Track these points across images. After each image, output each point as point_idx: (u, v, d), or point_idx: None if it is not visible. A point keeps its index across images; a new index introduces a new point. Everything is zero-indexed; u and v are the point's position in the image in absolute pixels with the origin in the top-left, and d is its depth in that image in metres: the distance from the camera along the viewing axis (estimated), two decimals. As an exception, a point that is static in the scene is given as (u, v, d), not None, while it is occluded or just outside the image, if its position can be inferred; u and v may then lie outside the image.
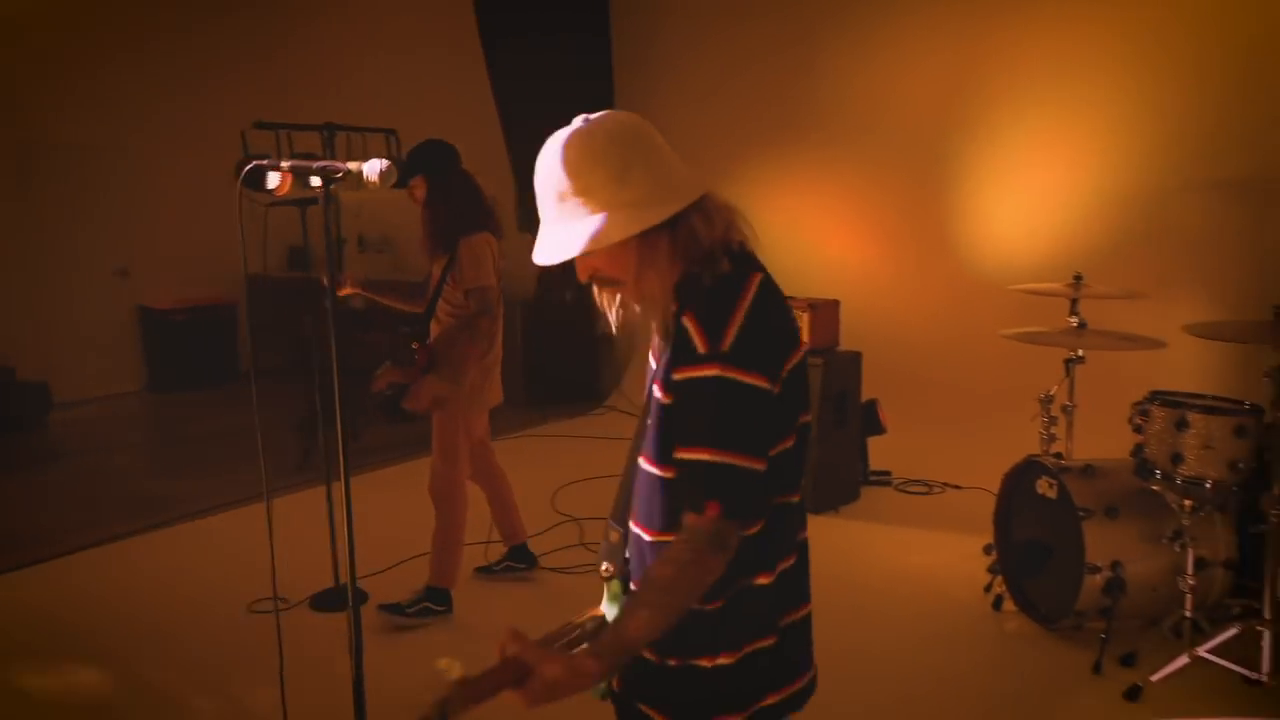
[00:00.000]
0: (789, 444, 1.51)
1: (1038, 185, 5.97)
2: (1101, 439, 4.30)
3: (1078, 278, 4.13)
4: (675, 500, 1.46)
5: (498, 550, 4.38)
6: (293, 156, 6.64)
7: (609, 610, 1.61)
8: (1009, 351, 5.79)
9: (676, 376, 1.43)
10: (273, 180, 6.43)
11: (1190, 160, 5.36)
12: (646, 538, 1.55)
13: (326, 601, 4.07)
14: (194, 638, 3.87)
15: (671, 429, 1.46)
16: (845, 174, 6.72)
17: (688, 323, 1.42)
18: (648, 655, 1.52)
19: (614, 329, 1.64)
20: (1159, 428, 3.37)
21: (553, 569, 4.41)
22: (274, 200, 4.33)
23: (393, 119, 7.13)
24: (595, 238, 1.44)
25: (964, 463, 5.59)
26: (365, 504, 4.15)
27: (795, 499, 1.57)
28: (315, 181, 4.16)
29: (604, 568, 1.62)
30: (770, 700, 1.55)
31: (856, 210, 6.74)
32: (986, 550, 4.49)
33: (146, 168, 8.41)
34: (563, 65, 7.35)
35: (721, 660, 1.51)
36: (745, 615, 1.52)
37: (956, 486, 5.50)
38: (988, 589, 4.07)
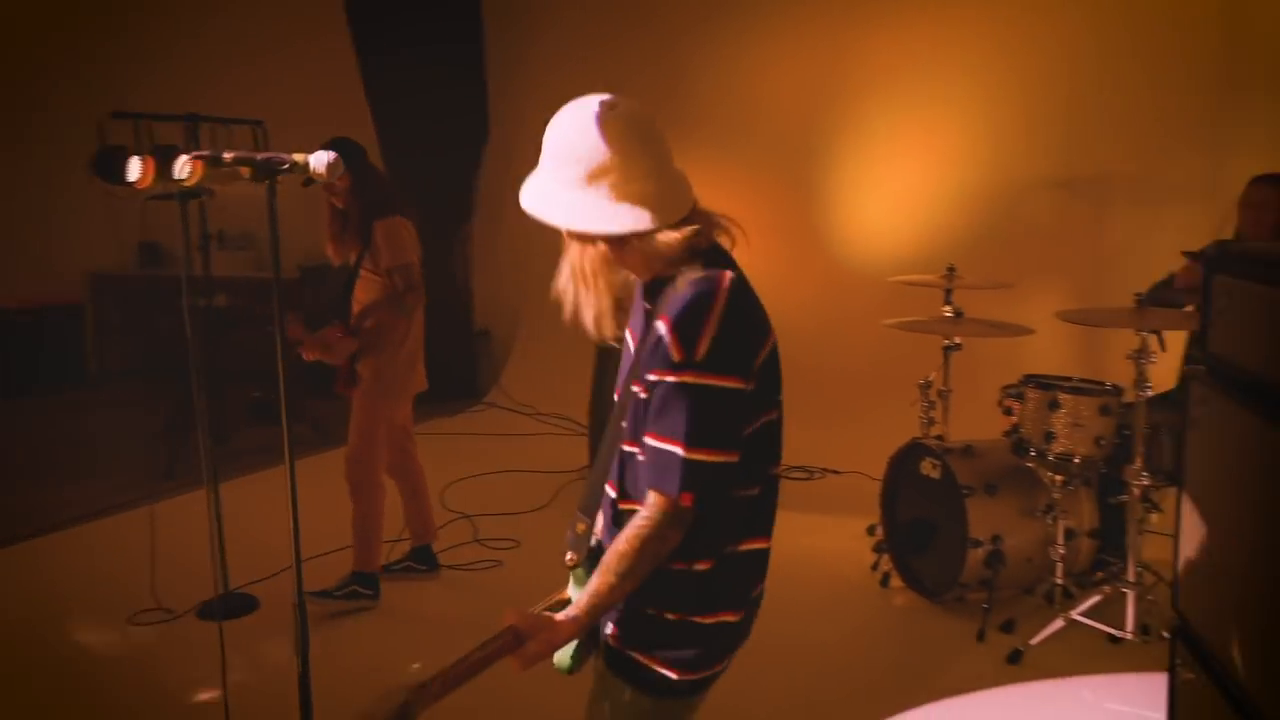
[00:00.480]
0: (771, 416, 1.62)
1: (905, 181, 6.26)
2: (973, 422, 4.58)
3: (950, 269, 4.37)
4: (641, 474, 1.57)
5: (402, 549, 4.30)
6: (152, 147, 6.34)
7: (574, 594, 1.64)
8: (882, 341, 6.07)
9: (653, 377, 1.53)
10: (133, 171, 6.10)
11: (1042, 158, 5.73)
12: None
13: (215, 610, 3.90)
14: (74, 656, 3.65)
15: (648, 414, 1.55)
16: (722, 173, 6.81)
17: (664, 331, 1.51)
18: (651, 611, 1.63)
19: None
20: (1033, 408, 3.61)
21: (450, 566, 4.36)
22: (152, 194, 4.16)
23: (260, 111, 6.88)
24: (588, 219, 1.54)
25: (841, 449, 5.82)
26: (241, 508, 4.05)
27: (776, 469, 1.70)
28: (245, 173, 4.04)
29: (569, 557, 1.67)
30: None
31: (733, 207, 6.87)
32: (870, 531, 4.70)
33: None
34: (436, 70, 7.24)
35: (725, 617, 1.65)
36: (739, 575, 1.67)
37: (835, 471, 5.72)
38: (874, 567, 4.26)
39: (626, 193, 1.55)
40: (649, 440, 1.54)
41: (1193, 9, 5.28)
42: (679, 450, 1.50)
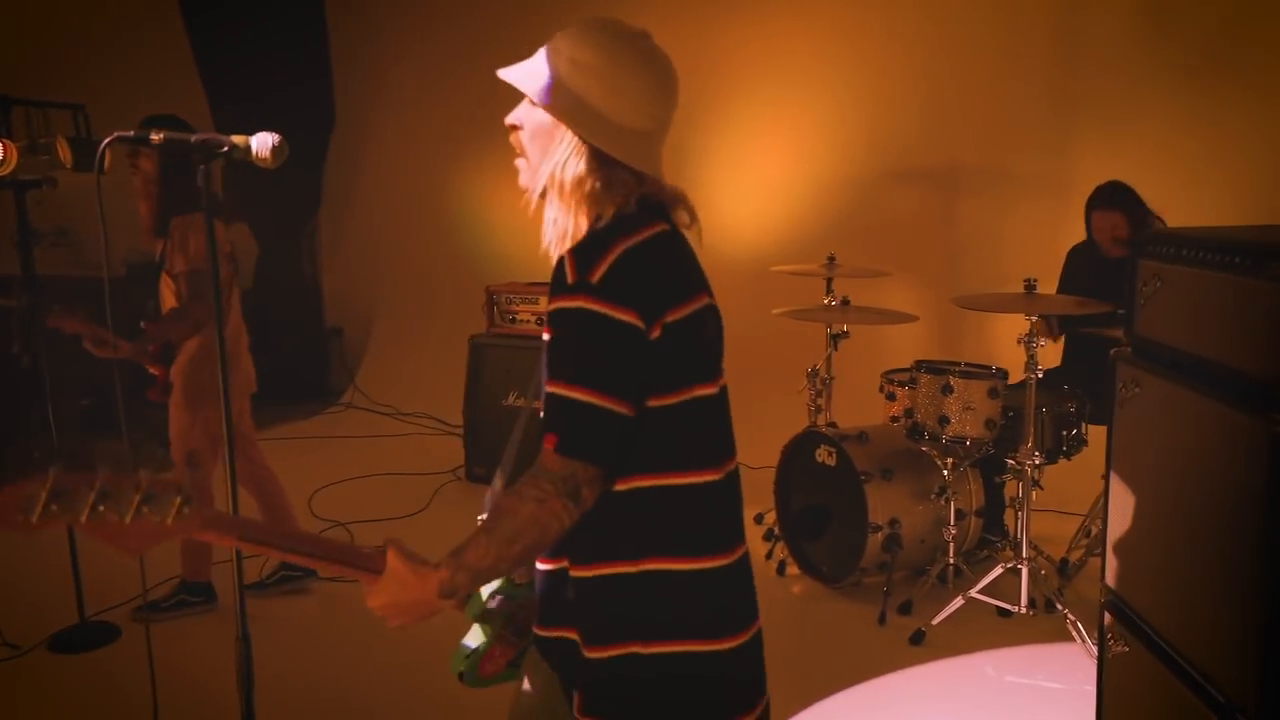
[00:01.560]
0: (706, 390, 1.49)
1: (769, 172, 6.34)
2: (854, 408, 4.68)
3: (831, 259, 4.44)
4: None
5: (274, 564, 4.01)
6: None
7: None
8: (750, 331, 6.17)
9: (549, 307, 1.40)
10: None
11: (900, 150, 5.91)
12: None
13: (70, 642, 3.52)
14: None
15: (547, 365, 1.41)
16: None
17: (565, 255, 1.39)
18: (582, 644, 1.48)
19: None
20: (925, 393, 3.69)
21: (333, 580, 4.10)
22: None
23: (81, 94, 6.30)
24: (561, 109, 1.44)
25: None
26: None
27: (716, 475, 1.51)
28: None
29: (480, 518, 1.50)
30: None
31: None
32: (758, 519, 4.74)
33: None
34: (277, 51, 6.82)
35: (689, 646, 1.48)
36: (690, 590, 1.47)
37: (714, 462, 5.72)
38: (769, 556, 4.28)
39: (630, 109, 1.47)
40: (547, 388, 1.39)
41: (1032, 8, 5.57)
42: (558, 391, 1.36)
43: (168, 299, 3.57)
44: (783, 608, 3.92)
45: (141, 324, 3.52)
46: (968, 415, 3.59)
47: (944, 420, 3.61)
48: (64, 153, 4.13)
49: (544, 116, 1.48)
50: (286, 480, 5.26)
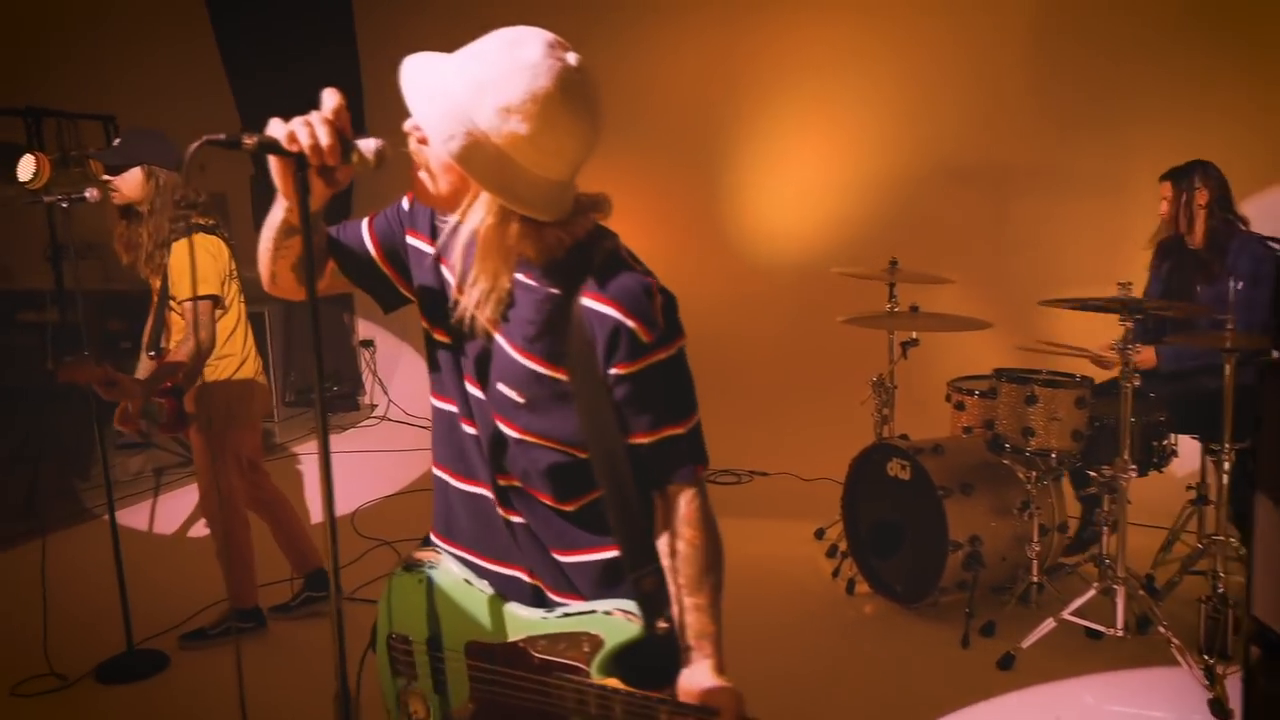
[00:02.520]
0: None
1: (815, 175, 6.17)
2: (916, 418, 4.50)
3: (893, 263, 4.26)
4: (654, 471, 1.46)
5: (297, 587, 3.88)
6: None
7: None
8: (806, 339, 6.02)
9: (622, 370, 1.38)
10: (25, 170, 5.34)
11: (958, 147, 5.73)
12: (567, 509, 1.49)
13: (118, 671, 3.37)
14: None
15: (625, 413, 1.41)
16: (620, 170, 6.61)
17: (622, 317, 1.37)
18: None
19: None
20: (1007, 403, 3.51)
21: (369, 601, 3.93)
22: (33, 197, 3.58)
23: (111, 105, 6.20)
24: (488, 176, 1.31)
25: (768, 449, 5.68)
26: (126, 548, 3.52)
27: None
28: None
29: (661, 624, 1.46)
30: None
31: (640, 199, 6.65)
32: (818, 535, 4.57)
33: None
34: (306, 63, 6.70)
35: None
36: None
37: (764, 474, 5.56)
38: (835, 573, 4.11)
39: (560, 165, 1.34)
40: (643, 440, 1.43)
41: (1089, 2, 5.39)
42: (682, 430, 1.44)
43: (176, 326, 3.44)
44: (855, 629, 3.74)
45: (150, 356, 3.44)
46: (1053, 426, 3.41)
47: (1028, 432, 3.43)
48: (96, 167, 4.01)
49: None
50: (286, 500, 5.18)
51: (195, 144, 1.35)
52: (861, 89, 5.95)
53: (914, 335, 4.09)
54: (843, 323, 4.10)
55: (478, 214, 1.35)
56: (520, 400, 1.43)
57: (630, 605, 1.43)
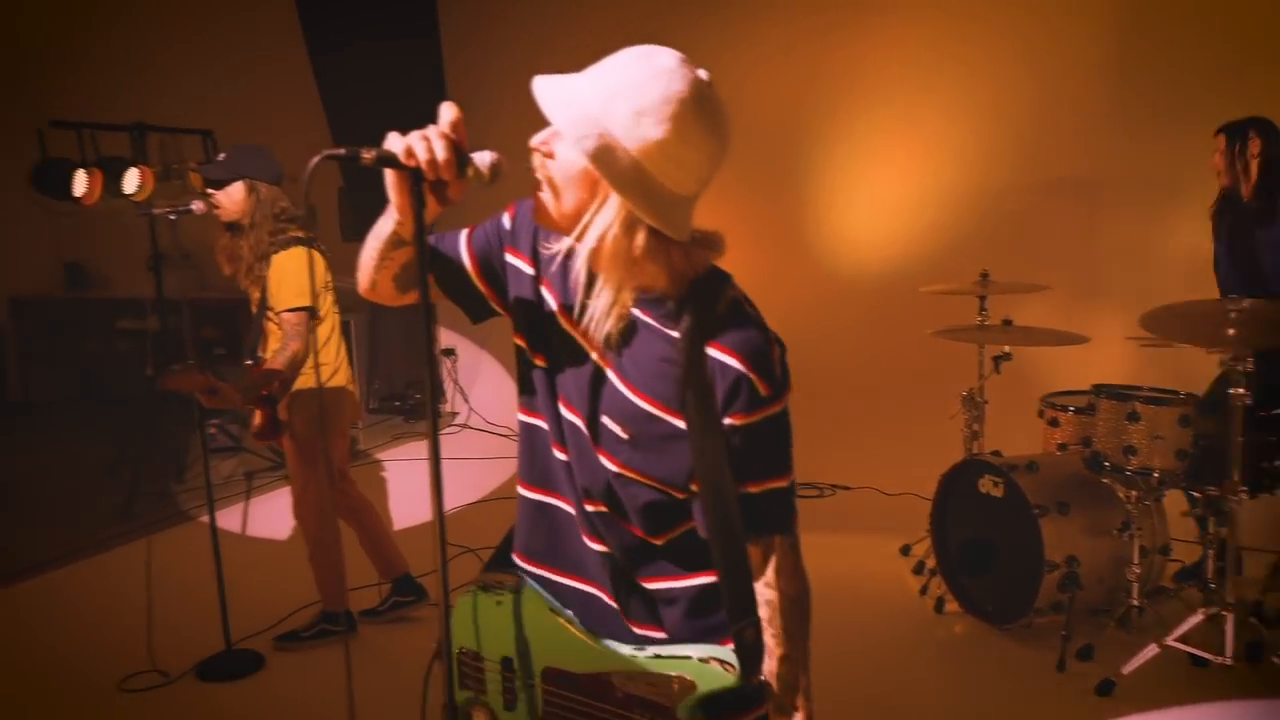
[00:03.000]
0: None
1: (900, 185, 6.09)
2: (1007, 434, 4.40)
3: (984, 275, 4.18)
4: (750, 521, 1.43)
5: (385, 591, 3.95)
6: (98, 159, 5.77)
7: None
8: (894, 353, 5.93)
9: (738, 421, 1.38)
10: (79, 185, 5.52)
11: (1049, 156, 5.61)
12: (656, 542, 1.48)
13: (217, 669, 3.47)
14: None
15: (735, 460, 1.40)
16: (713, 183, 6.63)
17: (741, 368, 1.37)
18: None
19: None
20: (1107, 420, 3.41)
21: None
22: (141, 209, 3.72)
23: (208, 118, 6.40)
24: (622, 179, 1.28)
25: (850, 463, 5.61)
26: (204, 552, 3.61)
27: None
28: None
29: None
30: None
31: (728, 211, 6.63)
32: (904, 551, 4.49)
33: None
34: (394, 76, 6.84)
35: None
36: None
37: (846, 488, 5.49)
38: (924, 591, 4.03)
39: (688, 179, 1.33)
40: (752, 490, 1.42)
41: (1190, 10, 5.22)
42: (784, 484, 1.45)
43: (273, 335, 3.53)
44: (945, 649, 3.66)
45: (248, 364, 3.51)
46: (1156, 445, 3.30)
47: (1129, 450, 3.33)
48: (195, 180, 4.15)
49: (584, 159, 1.30)
50: (410, 504, 5.26)
51: (316, 158, 1.38)
52: (951, 99, 5.85)
53: (1006, 349, 3.99)
54: (932, 336, 4.03)
55: (604, 220, 1.32)
56: (625, 436, 1.43)
57: (728, 656, 1.41)
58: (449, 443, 6.87)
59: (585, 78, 1.33)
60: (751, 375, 1.37)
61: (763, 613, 1.44)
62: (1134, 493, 3.42)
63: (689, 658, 1.43)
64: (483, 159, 1.36)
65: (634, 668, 1.45)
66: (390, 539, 3.95)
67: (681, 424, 1.39)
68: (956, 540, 3.85)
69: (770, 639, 1.45)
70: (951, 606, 3.87)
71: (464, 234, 1.58)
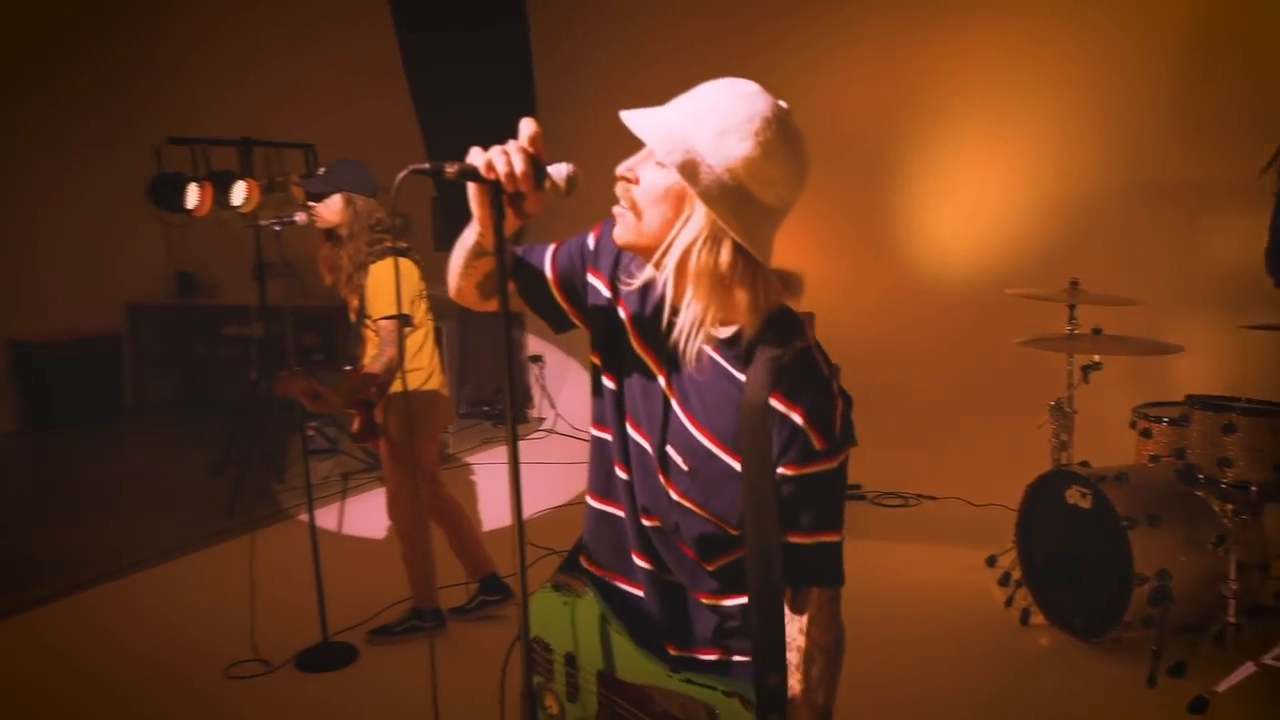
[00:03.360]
0: None
1: (989, 191, 6.01)
2: (1097, 444, 4.31)
3: (1074, 283, 4.10)
4: (791, 569, 1.45)
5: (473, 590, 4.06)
6: (208, 173, 6.06)
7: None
8: (974, 360, 5.86)
9: (791, 472, 1.41)
10: (191, 198, 5.83)
11: (1142, 161, 5.47)
12: (708, 567, 1.53)
13: (315, 660, 3.63)
14: (170, 716, 3.37)
15: (784, 510, 1.43)
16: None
17: (799, 420, 1.39)
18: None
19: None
20: (1201, 432, 3.33)
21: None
22: (248, 220, 3.92)
23: (309, 133, 6.68)
24: (710, 192, 1.33)
25: (936, 473, 5.56)
26: (303, 549, 3.78)
27: None
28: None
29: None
30: None
31: (815, 220, 6.63)
32: (989, 562, 4.43)
33: (13, 188, 7.62)
34: (486, 88, 7.03)
35: None
36: None
37: (932, 498, 5.44)
38: (1009, 602, 3.98)
39: (770, 197, 1.37)
40: (797, 540, 1.44)
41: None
42: (835, 539, 1.46)
43: (370, 342, 3.67)
44: (1030, 661, 3.61)
45: (346, 369, 3.66)
46: (1254, 457, 3.22)
47: (1225, 463, 3.24)
48: (298, 192, 4.31)
49: (671, 178, 1.36)
50: (498, 506, 5.40)
51: (402, 173, 1.48)
52: (1040, 105, 5.75)
53: (1095, 358, 3.92)
54: (1019, 345, 3.98)
55: (689, 234, 1.36)
56: (685, 468, 1.47)
57: (749, 692, 1.45)
58: (535, 447, 7.01)
59: (671, 106, 1.39)
60: (808, 430, 1.39)
61: (791, 657, 1.46)
62: (1230, 506, 3.33)
63: (715, 689, 1.48)
64: (559, 171, 1.43)
65: (670, 686, 1.52)
66: (478, 540, 4.06)
67: (738, 465, 1.42)
68: (1043, 552, 3.80)
69: (795, 683, 1.46)
70: (1037, 619, 3.81)
71: (550, 249, 1.64)
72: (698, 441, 1.46)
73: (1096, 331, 3.88)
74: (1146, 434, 3.87)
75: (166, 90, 8.09)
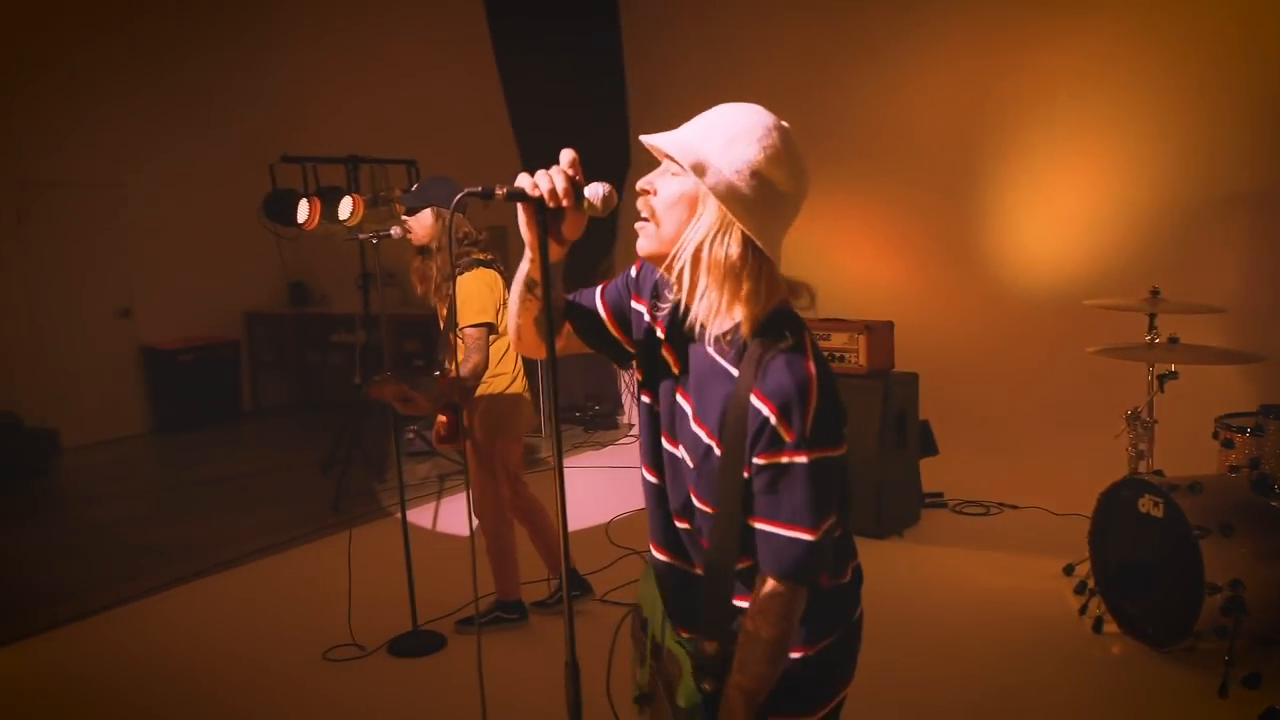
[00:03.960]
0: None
1: (1069, 202, 5.96)
2: (1180, 455, 4.26)
3: (1154, 292, 4.08)
4: (762, 556, 1.52)
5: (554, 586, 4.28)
6: (318, 189, 6.43)
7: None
8: (1056, 369, 5.81)
9: (761, 460, 1.48)
10: (302, 213, 6.19)
11: (1224, 172, 5.37)
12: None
13: (406, 646, 3.89)
14: (270, 694, 3.66)
15: (756, 497, 1.50)
16: (881, 190, 6.67)
17: (768, 412, 1.46)
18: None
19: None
20: (1276, 441, 3.30)
21: (615, 603, 4.23)
22: (351, 234, 4.22)
23: (410, 148, 7.02)
24: (720, 188, 1.46)
25: (1017, 482, 5.53)
26: (413, 542, 4.02)
27: None
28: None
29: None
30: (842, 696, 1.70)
31: (896, 228, 6.69)
32: (1067, 570, 4.42)
33: (146, 204, 8.23)
34: (580, 102, 7.26)
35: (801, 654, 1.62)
36: (822, 611, 1.62)
37: (1013, 506, 5.41)
38: (1083, 611, 3.98)
39: (780, 217, 1.51)
40: (764, 526, 1.50)
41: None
42: (806, 536, 1.48)
43: (459, 349, 3.85)
44: (1102, 669, 3.61)
45: (435, 374, 3.87)
46: (1329, 467, 3.17)
47: (1299, 472, 3.21)
48: (398, 208, 4.60)
49: (685, 184, 1.50)
50: (586, 506, 5.59)
51: (458, 195, 1.68)
52: (1120, 115, 5.70)
53: (1172, 368, 3.89)
54: (1093, 353, 3.98)
55: (701, 228, 1.49)
56: (692, 465, 1.60)
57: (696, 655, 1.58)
58: (624, 452, 7.20)
59: (684, 126, 1.55)
60: (777, 422, 1.45)
61: (740, 637, 1.54)
62: (1306, 517, 3.30)
63: (684, 648, 1.61)
64: (595, 192, 1.60)
65: (668, 644, 1.67)
66: (558, 538, 4.24)
67: None
68: (1116, 560, 3.79)
69: (735, 662, 1.54)
70: (1110, 627, 3.81)
71: (598, 288, 1.79)
72: (699, 438, 1.57)
73: (1173, 340, 3.86)
74: (1228, 444, 3.83)
75: (280, 111, 8.61)
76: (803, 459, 1.46)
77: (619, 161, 7.81)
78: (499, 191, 1.61)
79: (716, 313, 1.51)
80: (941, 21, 6.33)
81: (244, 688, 3.69)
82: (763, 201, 1.48)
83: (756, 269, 1.50)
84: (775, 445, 1.47)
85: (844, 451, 1.51)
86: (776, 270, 1.53)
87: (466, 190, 1.65)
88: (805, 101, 6.41)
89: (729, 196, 1.47)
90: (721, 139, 1.49)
